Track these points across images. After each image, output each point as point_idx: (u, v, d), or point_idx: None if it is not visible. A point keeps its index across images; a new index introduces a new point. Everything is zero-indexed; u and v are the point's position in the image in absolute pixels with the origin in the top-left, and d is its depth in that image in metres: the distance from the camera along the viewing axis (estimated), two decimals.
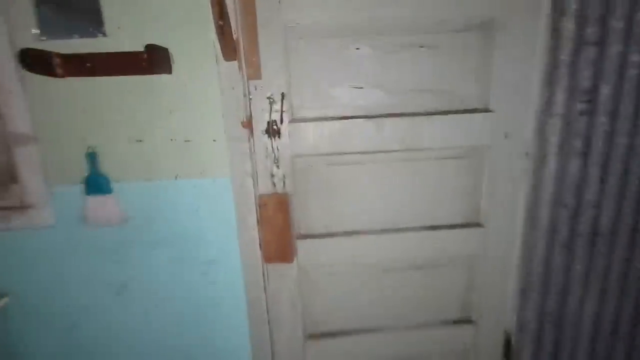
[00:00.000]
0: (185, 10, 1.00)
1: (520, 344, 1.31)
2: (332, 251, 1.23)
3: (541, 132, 1.14)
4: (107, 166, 1.11)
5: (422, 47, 1.09)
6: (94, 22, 0.98)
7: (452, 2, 1.04)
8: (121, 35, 1.01)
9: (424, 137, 1.15)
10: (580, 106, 1.09)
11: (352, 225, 1.23)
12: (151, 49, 1.01)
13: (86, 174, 1.09)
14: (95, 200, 1.11)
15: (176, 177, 1.14)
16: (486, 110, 1.15)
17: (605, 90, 1.07)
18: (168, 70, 1.04)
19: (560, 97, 1.08)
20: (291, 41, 1.07)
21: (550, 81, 1.10)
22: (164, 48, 1.02)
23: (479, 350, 1.35)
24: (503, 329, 1.34)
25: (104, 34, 1.00)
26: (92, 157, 1.08)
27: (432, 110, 1.15)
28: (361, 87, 1.12)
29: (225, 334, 1.26)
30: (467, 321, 1.34)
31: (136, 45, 1.01)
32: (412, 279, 1.29)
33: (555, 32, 1.06)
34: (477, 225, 1.25)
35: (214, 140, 1.11)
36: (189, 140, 1.11)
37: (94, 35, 1.00)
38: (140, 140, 1.10)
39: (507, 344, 1.34)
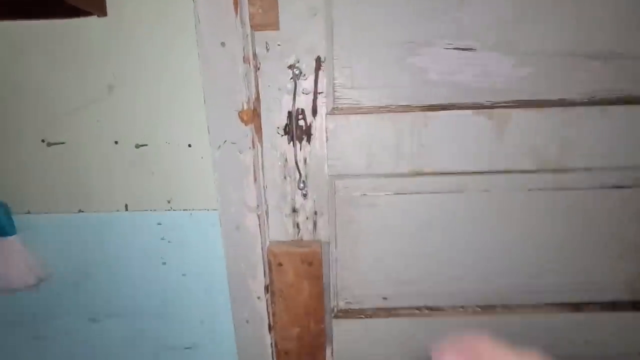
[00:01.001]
0: None
1: None
2: (394, 340, 0.71)
3: None
4: (4, 188, 0.63)
5: None
6: None
7: None
8: None
9: (578, 147, 0.60)
10: None
11: (431, 298, 0.70)
12: None
13: None
14: None
15: (126, 208, 0.65)
16: None
17: None
18: (99, 8, 0.54)
19: None
20: None
21: None
22: None
23: None
24: None
25: None
26: None
27: (602, 96, 0.59)
28: (470, 49, 0.58)
29: None
30: None
31: None
32: None
33: None
34: None
35: (189, 146, 0.61)
36: (144, 145, 0.61)
37: None
38: (61, 143, 0.62)
39: None
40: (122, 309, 0.70)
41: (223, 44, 0.54)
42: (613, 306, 0.70)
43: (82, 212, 0.65)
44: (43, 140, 0.61)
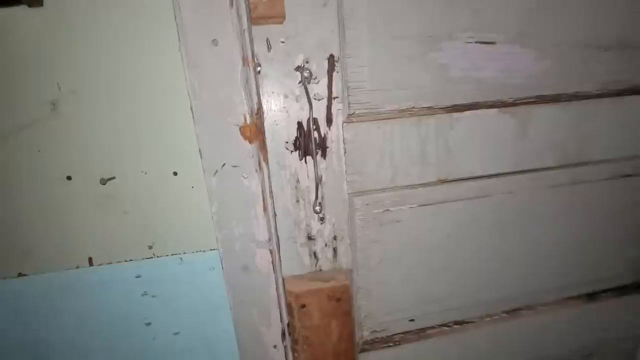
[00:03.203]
0: None
1: None
2: None
3: None
4: None
5: None
6: None
7: None
8: None
9: (595, 140, 0.59)
10: None
11: (460, 311, 0.65)
12: None
13: None
14: None
15: (90, 262, 0.49)
16: None
17: None
18: None
19: None
20: None
21: None
22: None
23: None
24: None
25: None
26: None
27: (613, 87, 0.59)
28: (491, 42, 0.53)
29: None
30: None
31: None
32: None
33: None
34: None
35: (174, 174, 0.48)
36: (111, 178, 0.46)
37: None
38: None
39: None
40: None
41: (215, 41, 0.42)
42: (622, 291, 0.72)
43: (24, 275, 0.48)
44: None
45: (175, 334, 0.54)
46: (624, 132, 0.60)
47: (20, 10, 0.39)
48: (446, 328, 0.65)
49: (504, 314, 0.67)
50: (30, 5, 0.38)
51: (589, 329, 0.72)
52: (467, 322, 0.66)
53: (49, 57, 0.41)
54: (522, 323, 0.68)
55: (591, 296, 0.70)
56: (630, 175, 0.64)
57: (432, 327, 0.65)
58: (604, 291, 0.71)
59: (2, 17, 0.39)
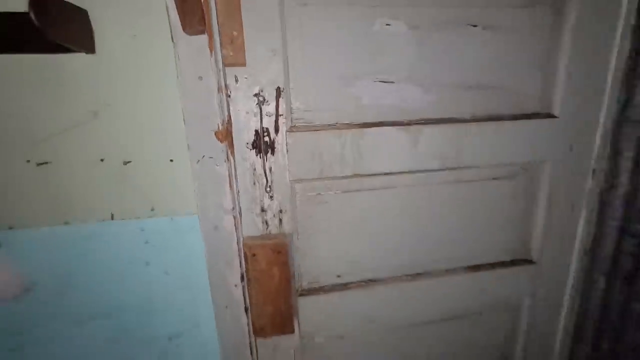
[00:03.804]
0: None
1: None
2: (346, 308, 0.89)
3: (613, 145, 0.89)
4: None
5: (474, 25, 0.78)
6: None
7: None
8: None
9: (468, 152, 0.84)
10: None
11: (374, 272, 0.90)
12: (57, 9, 0.60)
13: None
14: None
15: (112, 217, 0.73)
16: (549, 116, 0.87)
17: None
18: (88, 47, 0.62)
19: None
20: (292, 8, 0.70)
21: (629, 77, 0.84)
22: (81, 10, 0.61)
23: None
24: None
25: None
26: None
27: (482, 115, 0.84)
28: (391, 82, 0.78)
29: None
30: None
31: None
32: (445, 334, 0.99)
33: None
34: (527, 261, 0.98)
35: (170, 161, 0.72)
36: (128, 162, 0.70)
37: None
38: (46, 162, 0.68)
39: None
40: (107, 309, 0.77)
41: (200, 77, 0.67)
42: (501, 264, 0.96)
43: (68, 224, 0.72)
44: (28, 161, 0.67)
45: (166, 273, 0.78)
46: (490, 146, 0.84)
47: (80, 55, 0.63)
48: (363, 283, 0.89)
49: (407, 277, 0.92)
50: (87, 53, 0.63)
51: (475, 293, 0.96)
52: (378, 281, 0.90)
53: (95, 83, 0.65)
54: (421, 285, 0.92)
55: (475, 267, 0.95)
56: (496, 179, 0.89)
57: (353, 282, 0.89)
58: (485, 264, 0.96)
59: (69, 59, 0.63)
